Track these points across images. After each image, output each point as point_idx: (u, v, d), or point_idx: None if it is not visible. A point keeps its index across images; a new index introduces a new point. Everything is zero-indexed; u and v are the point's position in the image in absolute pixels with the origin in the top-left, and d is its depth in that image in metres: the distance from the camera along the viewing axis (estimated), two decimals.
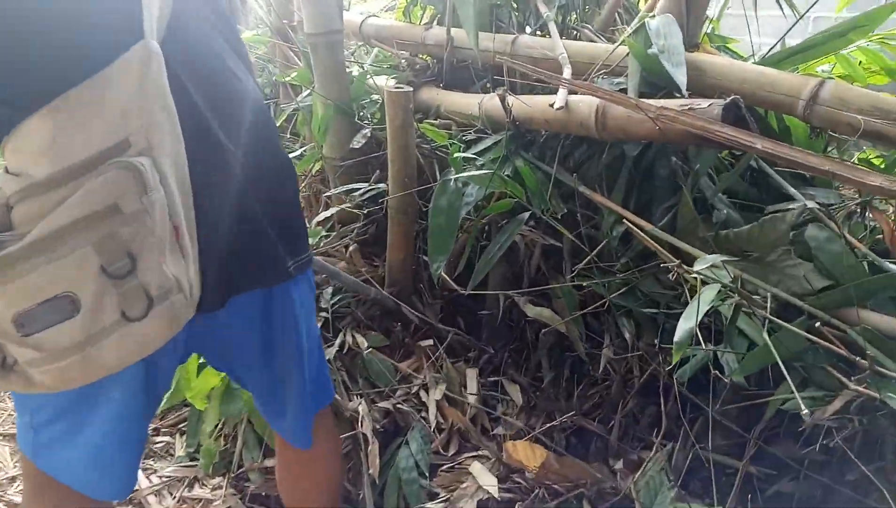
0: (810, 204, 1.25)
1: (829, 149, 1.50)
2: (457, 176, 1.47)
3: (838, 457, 1.26)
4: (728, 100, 1.21)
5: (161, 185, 0.75)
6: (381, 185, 1.88)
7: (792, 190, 1.32)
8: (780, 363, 1.03)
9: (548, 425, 1.56)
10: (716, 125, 1.13)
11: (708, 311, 1.08)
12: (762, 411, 1.33)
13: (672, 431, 1.45)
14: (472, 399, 1.58)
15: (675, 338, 1.02)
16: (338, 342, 1.67)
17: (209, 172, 0.87)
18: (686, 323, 1.03)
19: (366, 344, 1.71)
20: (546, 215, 1.52)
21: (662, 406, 1.41)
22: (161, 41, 0.77)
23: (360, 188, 1.90)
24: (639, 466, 1.43)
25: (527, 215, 1.52)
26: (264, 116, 0.99)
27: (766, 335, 1.06)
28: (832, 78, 1.31)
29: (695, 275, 1.28)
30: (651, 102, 1.23)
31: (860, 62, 1.63)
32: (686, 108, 1.24)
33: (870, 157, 1.46)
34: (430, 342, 1.77)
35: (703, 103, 1.24)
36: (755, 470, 1.33)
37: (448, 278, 1.60)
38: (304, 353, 1.07)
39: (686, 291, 1.42)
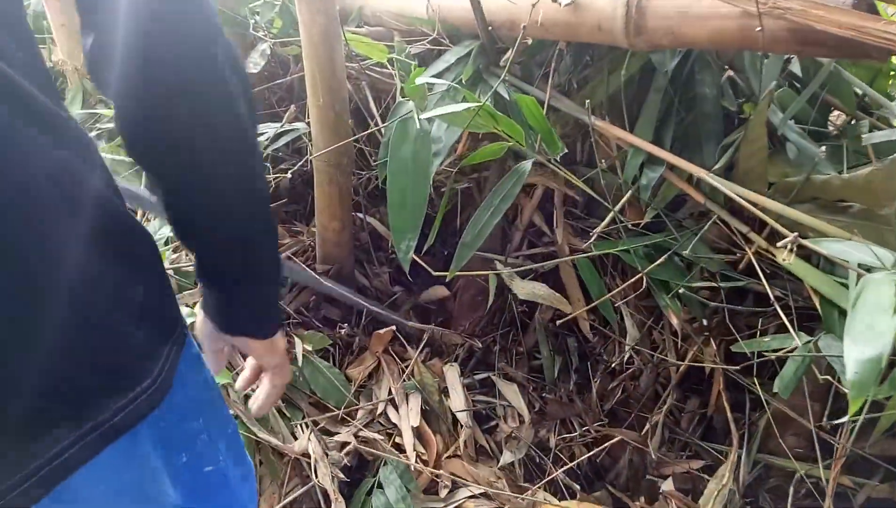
0: None
1: None
2: (429, 114, 0.98)
3: None
4: None
5: None
6: (298, 125, 1.34)
7: None
8: None
9: (564, 436, 1.19)
10: (879, 24, 0.72)
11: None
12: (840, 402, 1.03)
13: (723, 433, 1.13)
14: (462, 417, 1.18)
15: (850, 375, 0.65)
16: None
17: None
18: (862, 348, 0.65)
19: (304, 348, 1.24)
20: (554, 162, 1.08)
21: (727, 407, 1.07)
22: None
23: (267, 131, 1.36)
24: (693, 483, 1.11)
25: (529, 164, 1.07)
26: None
27: None
28: None
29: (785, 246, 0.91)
30: None
31: None
32: None
33: None
34: (389, 330, 1.32)
35: None
36: (849, 481, 1.04)
37: (417, 258, 1.15)
38: None
39: (750, 255, 1.06)
